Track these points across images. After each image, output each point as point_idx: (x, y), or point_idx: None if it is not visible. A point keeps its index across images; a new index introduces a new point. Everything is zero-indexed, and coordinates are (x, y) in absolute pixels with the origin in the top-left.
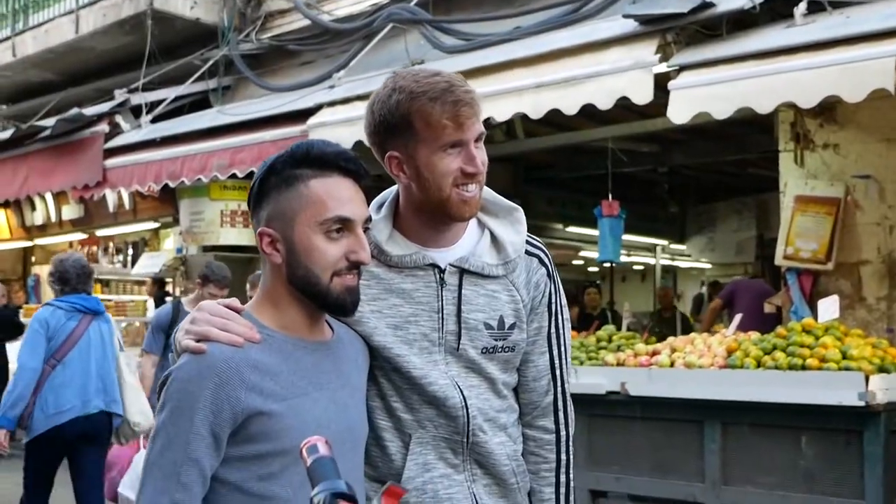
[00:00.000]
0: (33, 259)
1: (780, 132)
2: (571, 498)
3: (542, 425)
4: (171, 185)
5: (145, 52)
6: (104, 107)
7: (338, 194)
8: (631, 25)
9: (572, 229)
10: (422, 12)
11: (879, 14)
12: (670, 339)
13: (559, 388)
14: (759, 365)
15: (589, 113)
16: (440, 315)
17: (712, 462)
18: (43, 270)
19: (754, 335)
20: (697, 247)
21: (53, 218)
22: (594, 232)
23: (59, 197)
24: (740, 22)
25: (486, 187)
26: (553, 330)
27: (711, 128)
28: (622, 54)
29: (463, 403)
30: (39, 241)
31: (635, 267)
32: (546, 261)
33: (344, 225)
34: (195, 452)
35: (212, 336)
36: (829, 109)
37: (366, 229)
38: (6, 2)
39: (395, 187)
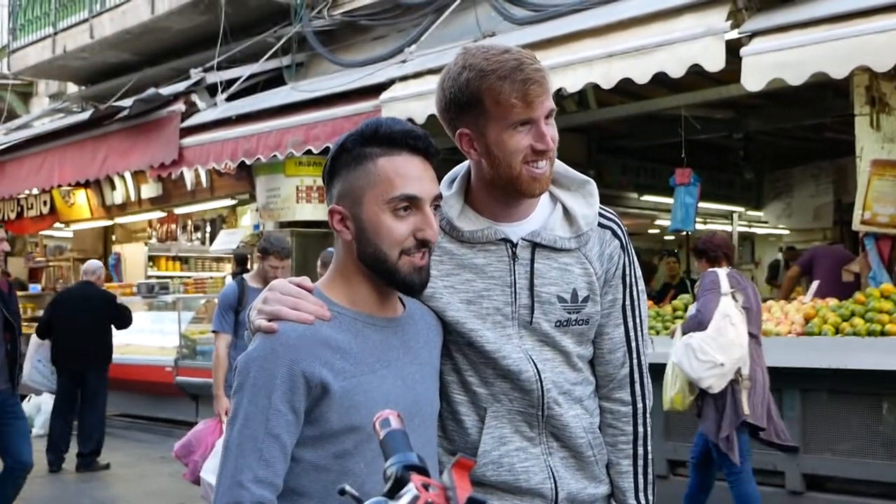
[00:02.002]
0: (114, 238)
1: (855, 96)
2: (650, 470)
3: (618, 398)
4: (247, 162)
5: (219, 31)
6: (180, 86)
7: (405, 172)
8: None
9: (647, 198)
10: None
11: None
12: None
13: (635, 361)
14: (837, 332)
15: (661, 81)
16: (513, 289)
17: (792, 430)
18: (123, 249)
19: (832, 302)
20: (774, 213)
21: (133, 197)
22: (669, 200)
23: (138, 176)
24: None
25: (557, 160)
26: (628, 302)
27: (786, 93)
28: (693, 21)
29: (537, 377)
30: (119, 220)
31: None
32: (619, 233)
33: (411, 203)
34: (276, 429)
35: (283, 315)
36: None
37: (436, 207)
38: None
39: (466, 163)
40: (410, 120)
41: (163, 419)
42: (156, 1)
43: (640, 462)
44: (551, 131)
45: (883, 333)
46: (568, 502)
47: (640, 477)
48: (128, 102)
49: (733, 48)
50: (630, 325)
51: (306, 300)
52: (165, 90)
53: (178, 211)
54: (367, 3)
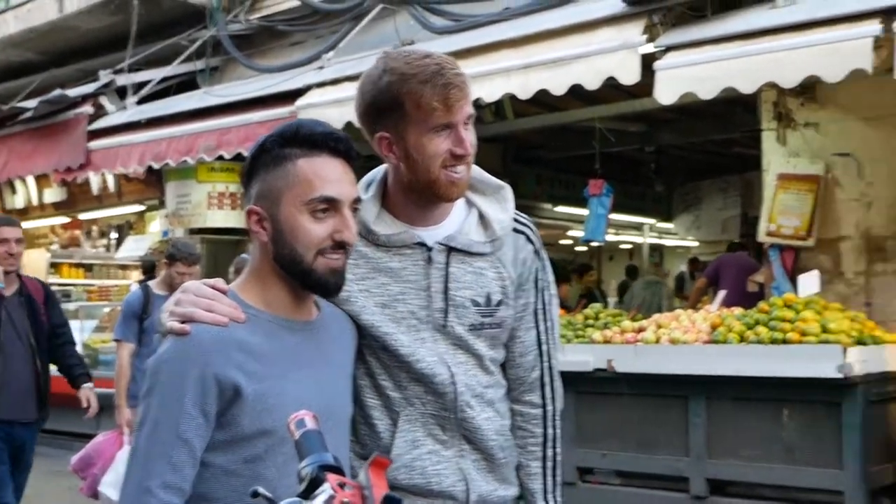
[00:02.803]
0: None
1: (762, 111)
2: (558, 472)
3: (528, 400)
4: (157, 167)
5: (131, 32)
6: (88, 88)
7: (325, 174)
8: (619, 6)
9: (560, 209)
10: None
11: None
12: (656, 315)
13: (546, 364)
14: (742, 339)
15: (577, 93)
16: (428, 293)
17: (697, 436)
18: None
19: (737, 311)
20: (684, 225)
21: (35, 201)
22: (583, 211)
23: (41, 180)
24: (725, 3)
25: (474, 166)
26: (540, 306)
27: (697, 107)
28: (610, 35)
29: (451, 380)
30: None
31: (623, 245)
32: (533, 238)
33: (330, 205)
34: (186, 433)
35: (196, 317)
36: (810, 89)
37: (355, 210)
38: None
39: (383, 167)
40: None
41: (61, 432)
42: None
43: (550, 464)
44: (470, 136)
45: (785, 341)
46: (479, 502)
47: (549, 478)
48: (32, 104)
49: (648, 62)
50: (541, 329)
51: (220, 302)
52: (72, 92)
53: (83, 216)
54: (285, 8)
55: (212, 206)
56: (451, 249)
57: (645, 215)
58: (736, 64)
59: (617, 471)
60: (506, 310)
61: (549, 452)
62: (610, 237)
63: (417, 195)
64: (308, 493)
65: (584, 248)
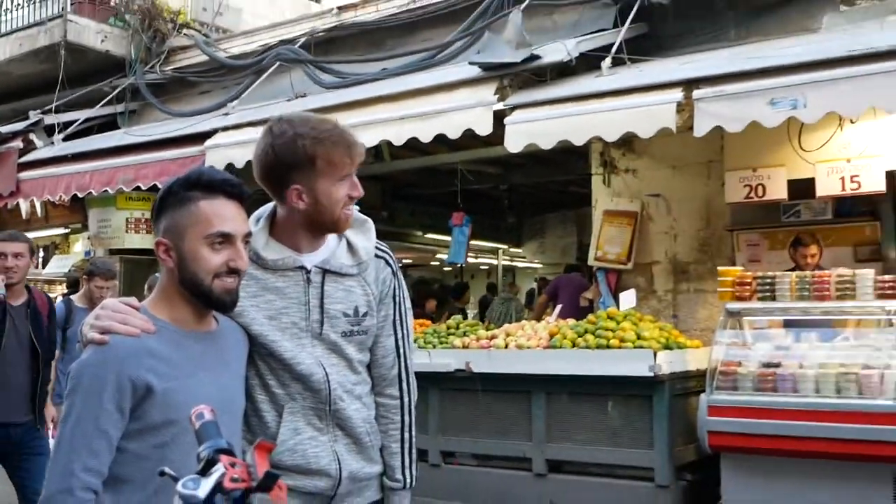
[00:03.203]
0: None
1: (592, 159)
2: (413, 451)
3: (389, 393)
4: (80, 195)
5: (59, 78)
6: (19, 125)
7: (221, 213)
8: (475, 71)
9: (430, 236)
10: (304, 53)
11: (665, 69)
12: (506, 325)
13: (403, 364)
14: (573, 345)
15: (442, 140)
16: (307, 307)
17: (538, 424)
18: None
19: (571, 321)
20: (531, 250)
21: None
22: (448, 238)
23: None
24: (561, 71)
25: None
26: (397, 317)
27: (541, 154)
28: (468, 94)
29: (325, 379)
30: None
31: (482, 266)
32: (391, 262)
33: (225, 239)
34: (104, 425)
35: (113, 329)
36: (629, 142)
37: (246, 242)
38: None
39: (270, 204)
40: (231, 165)
41: None
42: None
43: (407, 445)
44: (358, 185)
45: (608, 347)
46: (349, 480)
47: (406, 457)
48: None
49: (499, 117)
50: (399, 335)
51: (134, 316)
52: (5, 128)
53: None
54: (195, 62)
55: (129, 230)
56: (325, 272)
57: (499, 241)
58: (569, 121)
59: (473, 454)
60: (370, 319)
61: (406, 435)
62: (471, 259)
63: (315, 230)
64: (205, 471)
65: (449, 269)
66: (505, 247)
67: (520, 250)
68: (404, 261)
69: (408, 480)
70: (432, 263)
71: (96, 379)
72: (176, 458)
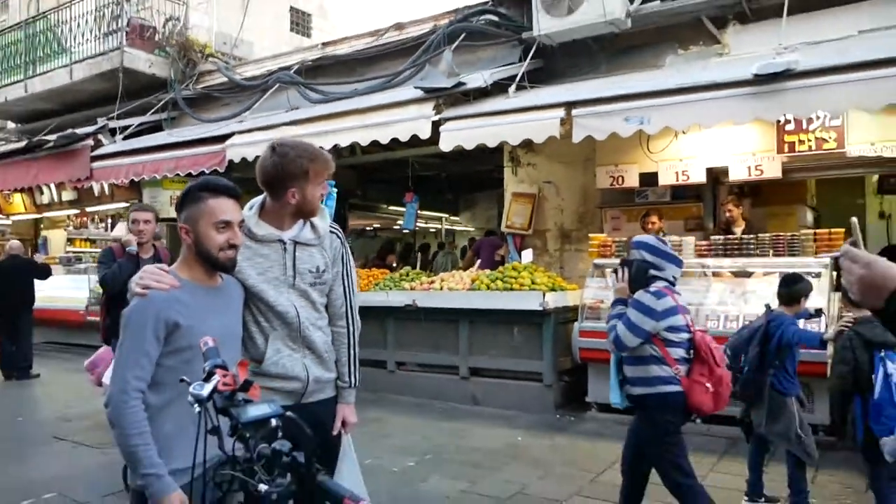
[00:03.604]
0: (42, 226)
1: (504, 155)
2: (356, 362)
3: (339, 324)
4: (136, 180)
5: (118, 93)
6: (90, 129)
7: (223, 207)
8: (419, 93)
9: (392, 208)
10: (297, 77)
11: (553, 93)
12: (442, 273)
13: (348, 304)
14: (488, 288)
15: (397, 141)
16: (285, 266)
17: (463, 343)
18: (50, 234)
19: (488, 271)
20: (466, 218)
21: (56, 199)
22: (403, 209)
23: (59, 186)
24: (481, 93)
25: None
26: (345, 272)
27: (470, 151)
28: (414, 109)
29: (297, 315)
30: (47, 214)
31: (431, 230)
32: (340, 236)
33: (226, 224)
34: (147, 348)
35: (151, 286)
36: (530, 144)
37: (240, 225)
38: (21, 56)
39: (261, 196)
40: (244, 158)
41: (77, 344)
42: (73, 71)
43: (352, 359)
44: (327, 187)
45: (512, 289)
46: (314, 382)
47: (352, 365)
48: (53, 137)
49: (436, 126)
50: (346, 284)
51: (165, 276)
52: (80, 130)
53: (89, 209)
54: (219, 82)
55: (172, 204)
56: (296, 243)
57: (442, 212)
58: (484, 130)
59: (418, 363)
60: (327, 274)
61: (352, 352)
62: (422, 224)
63: (297, 217)
64: (207, 379)
65: (408, 231)
66: (447, 216)
67: (458, 218)
68: (374, 226)
69: (353, 381)
70: (394, 227)
71: (141, 318)
72: (195, 369)
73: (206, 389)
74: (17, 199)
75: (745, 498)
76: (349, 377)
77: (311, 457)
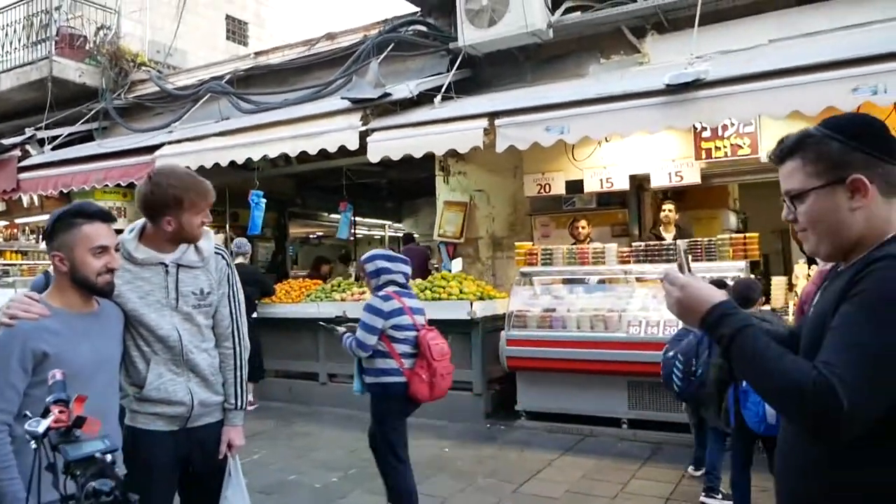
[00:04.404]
0: None
1: (436, 165)
2: (244, 383)
3: (225, 346)
4: (64, 191)
5: (47, 103)
6: (18, 139)
7: (99, 232)
8: (347, 103)
9: (333, 216)
10: (228, 87)
11: (477, 103)
12: None
13: (234, 325)
14: (418, 297)
15: (341, 150)
16: (167, 289)
17: None
18: None
19: (419, 280)
20: (409, 225)
21: None
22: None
23: None
24: (407, 103)
25: None
26: (231, 293)
27: (408, 159)
28: (343, 120)
29: (179, 339)
30: None
31: (375, 236)
32: (225, 257)
33: (103, 249)
34: (13, 380)
35: (18, 315)
36: (459, 154)
37: (117, 249)
38: None
39: (140, 221)
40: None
41: None
42: (1, 80)
43: (239, 380)
44: (209, 215)
45: (440, 299)
46: (200, 405)
47: (238, 387)
48: None
49: (364, 136)
50: (232, 306)
51: (34, 307)
52: (7, 141)
53: (19, 221)
54: (150, 91)
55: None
56: (179, 265)
57: (385, 219)
58: (410, 140)
59: (349, 374)
60: (212, 296)
61: (238, 374)
62: (364, 231)
63: (177, 241)
64: (45, 414)
65: (352, 239)
66: (390, 222)
67: (401, 225)
68: (318, 233)
69: (239, 403)
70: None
71: (6, 349)
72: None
73: (42, 426)
74: None
75: (703, 494)
76: (235, 399)
77: (127, 496)
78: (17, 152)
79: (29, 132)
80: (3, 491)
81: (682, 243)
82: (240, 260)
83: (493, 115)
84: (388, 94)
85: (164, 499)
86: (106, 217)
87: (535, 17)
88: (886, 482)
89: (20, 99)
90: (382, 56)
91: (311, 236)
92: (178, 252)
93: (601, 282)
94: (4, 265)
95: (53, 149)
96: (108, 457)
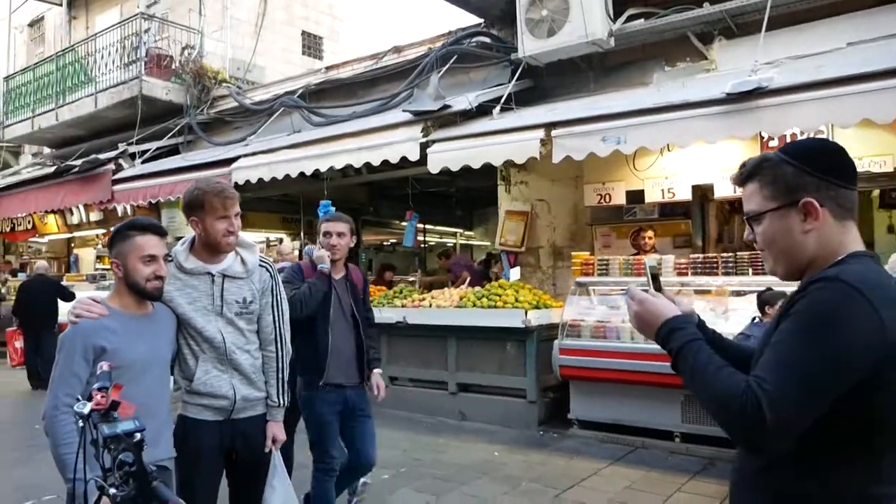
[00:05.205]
0: (73, 245)
1: (498, 174)
2: (285, 384)
3: (269, 349)
4: (153, 201)
5: (137, 119)
6: (112, 154)
7: (149, 243)
8: (409, 116)
9: (404, 223)
10: (301, 101)
11: (535, 114)
12: (433, 291)
13: (277, 332)
14: (474, 305)
15: (405, 159)
16: (213, 297)
17: (451, 359)
18: (80, 252)
19: (476, 288)
20: (479, 233)
21: (84, 220)
22: (419, 225)
23: (87, 207)
24: (465, 115)
25: (241, 233)
26: (274, 303)
27: (474, 168)
28: (404, 132)
29: (223, 340)
30: (77, 234)
31: (447, 244)
32: (269, 269)
33: (152, 258)
34: (75, 368)
35: (82, 315)
36: (520, 164)
37: (166, 259)
38: (52, 86)
39: (191, 234)
40: (248, 181)
41: None
42: (98, 99)
43: (281, 381)
44: (237, 222)
45: (496, 307)
46: (242, 400)
47: (280, 387)
48: (78, 162)
49: (425, 147)
50: (275, 314)
51: (95, 307)
52: (103, 156)
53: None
54: (230, 107)
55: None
56: (224, 276)
57: (454, 227)
58: (469, 151)
59: (409, 378)
60: (254, 305)
61: (280, 375)
62: (435, 239)
63: (211, 248)
64: (90, 399)
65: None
66: (460, 231)
67: (472, 233)
68: (391, 241)
69: (281, 401)
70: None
71: (71, 344)
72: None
73: (87, 408)
74: (51, 219)
75: None
76: (277, 397)
77: (144, 468)
78: (112, 166)
79: (122, 147)
80: (64, 462)
81: (648, 261)
82: None
83: (549, 126)
84: (448, 107)
85: (210, 480)
86: (156, 230)
87: (595, 27)
88: (819, 493)
89: (115, 116)
90: (445, 68)
91: (384, 243)
92: (225, 263)
93: None
94: (102, 269)
95: (143, 162)
96: (138, 435)
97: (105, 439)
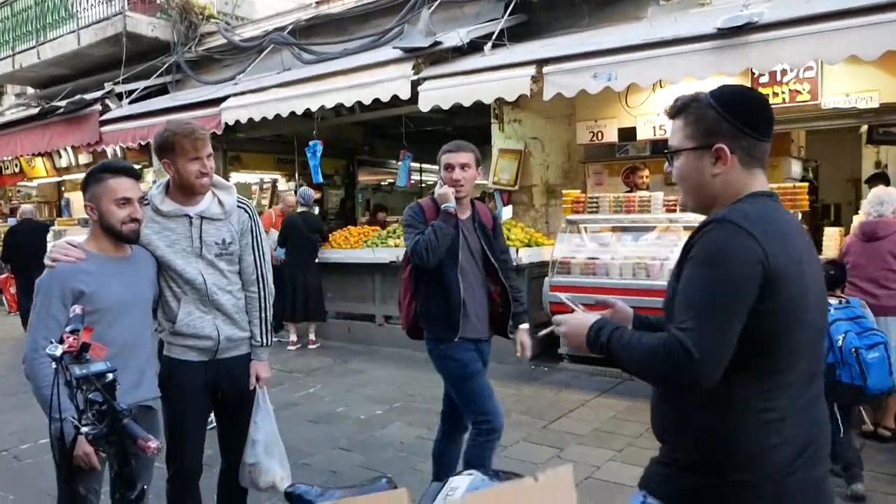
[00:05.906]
0: (63, 189)
1: (491, 112)
2: (268, 323)
3: (251, 290)
4: (143, 143)
5: (123, 57)
6: (98, 94)
7: (122, 186)
8: (399, 53)
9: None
10: (290, 38)
11: (527, 50)
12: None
13: (259, 272)
14: None
15: (396, 98)
16: (191, 238)
17: None
18: (71, 196)
19: None
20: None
21: (74, 162)
22: (413, 164)
23: (76, 149)
24: (457, 51)
25: (214, 175)
26: (255, 244)
27: (471, 106)
28: (394, 70)
29: (204, 282)
30: (67, 177)
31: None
32: (248, 209)
33: (126, 200)
34: (53, 311)
35: (59, 259)
36: (512, 101)
37: (141, 201)
38: (32, 22)
39: (166, 177)
40: (238, 121)
41: None
42: (81, 36)
43: (263, 320)
44: (210, 163)
45: None
46: (226, 340)
47: (263, 326)
48: (63, 103)
49: (416, 84)
50: (256, 255)
51: (72, 251)
52: (88, 96)
53: (88, 171)
54: (218, 44)
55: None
56: (202, 217)
57: None
58: (460, 89)
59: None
60: (234, 246)
61: (263, 315)
62: (432, 178)
63: (185, 190)
64: (62, 341)
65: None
66: None
67: None
68: (389, 181)
69: (265, 341)
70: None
71: (49, 288)
72: (100, 329)
73: (59, 350)
74: (39, 163)
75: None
76: (261, 337)
77: (114, 407)
78: (98, 107)
79: (108, 87)
80: (46, 403)
81: (564, 296)
82: (302, 209)
83: (541, 63)
84: (439, 43)
85: (196, 418)
86: (130, 172)
87: None
88: (720, 424)
89: (100, 54)
90: (437, 2)
91: (381, 183)
92: (202, 205)
93: (647, 230)
94: None
95: (131, 102)
96: (109, 376)
97: (77, 380)
